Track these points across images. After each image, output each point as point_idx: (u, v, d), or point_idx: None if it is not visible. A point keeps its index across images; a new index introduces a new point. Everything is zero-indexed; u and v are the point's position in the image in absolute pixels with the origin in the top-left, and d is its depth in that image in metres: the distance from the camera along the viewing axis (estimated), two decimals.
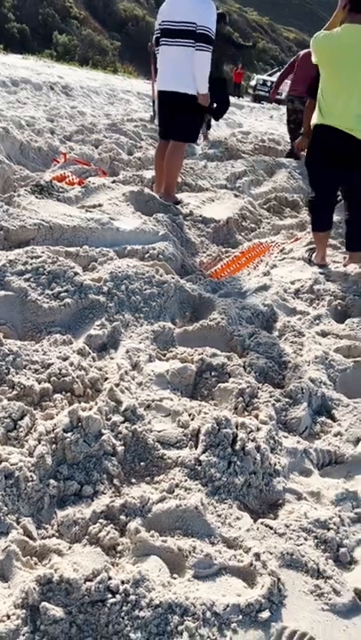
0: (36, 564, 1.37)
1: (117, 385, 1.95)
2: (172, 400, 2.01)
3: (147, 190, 4.28)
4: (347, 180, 3.62)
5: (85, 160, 5.66)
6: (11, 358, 1.99)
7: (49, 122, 7.43)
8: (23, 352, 2.06)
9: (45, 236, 3.03)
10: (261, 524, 1.62)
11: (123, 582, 1.29)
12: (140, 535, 1.43)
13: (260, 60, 41.18)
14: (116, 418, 1.80)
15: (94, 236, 3.22)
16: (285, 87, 8.08)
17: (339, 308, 3.18)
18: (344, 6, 3.39)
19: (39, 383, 1.94)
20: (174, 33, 4.12)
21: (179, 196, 4.87)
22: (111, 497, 1.58)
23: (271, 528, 1.60)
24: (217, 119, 10.03)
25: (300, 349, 2.58)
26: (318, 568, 1.49)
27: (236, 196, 5.33)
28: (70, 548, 1.43)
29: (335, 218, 3.98)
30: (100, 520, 1.50)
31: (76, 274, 2.59)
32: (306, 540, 1.58)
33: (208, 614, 1.29)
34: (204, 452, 1.74)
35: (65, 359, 2.06)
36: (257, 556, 1.45)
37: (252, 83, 24.28)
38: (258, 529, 1.59)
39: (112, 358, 2.24)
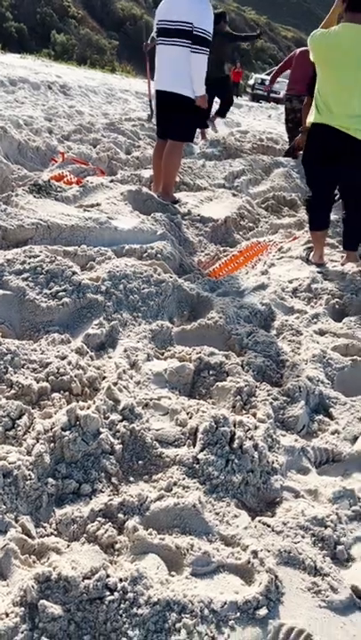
0: (34, 562, 1.38)
1: (115, 384, 1.95)
2: (170, 399, 2.01)
3: (145, 189, 4.28)
4: (344, 179, 3.63)
5: (83, 159, 5.66)
6: (9, 357, 2.00)
7: (47, 121, 7.43)
8: (21, 351, 2.06)
9: (43, 235, 3.04)
10: (259, 521, 1.62)
11: (121, 580, 1.29)
12: (138, 533, 1.44)
13: (258, 59, 41.17)
14: (114, 416, 1.81)
15: (92, 236, 3.22)
16: (284, 86, 8.11)
17: (336, 306, 3.19)
18: (343, 0, 3.37)
19: (37, 382, 1.94)
20: (171, 32, 4.12)
21: (177, 195, 4.87)
22: (109, 495, 1.58)
23: (269, 526, 1.61)
24: (223, 116, 10.12)
25: (298, 348, 2.59)
26: (316, 565, 1.50)
27: (234, 195, 5.33)
28: (69, 546, 1.44)
29: (333, 217, 3.99)
30: (99, 518, 1.50)
31: (74, 273, 2.59)
32: (303, 537, 1.58)
33: (206, 612, 1.30)
34: (201, 451, 1.74)
35: (63, 358, 2.07)
36: (255, 553, 1.46)
37: (251, 82, 24.27)
38: (255, 527, 1.60)
39: (110, 357, 2.24)
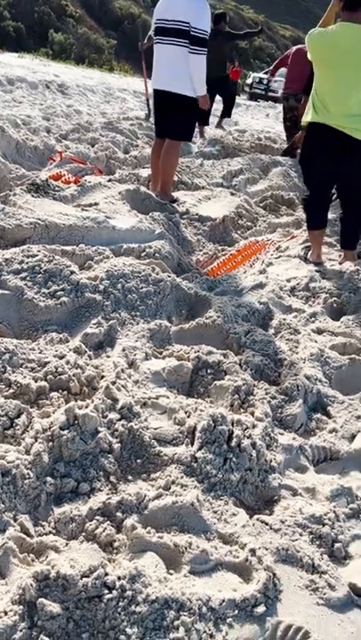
0: (33, 560, 1.38)
1: (114, 383, 1.96)
2: (168, 398, 2.02)
3: (143, 189, 4.28)
4: (341, 178, 3.63)
5: (81, 159, 5.66)
6: (7, 357, 2.00)
7: (45, 120, 7.42)
8: (20, 350, 2.07)
9: (41, 234, 3.04)
10: (257, 519, 1.63)
11: (119, 578, 1.30)
12: (136, 531, 1.44)
13: (256, 57, 41.15)
14: (113, 415, 1.81)
15: (90, 235, 3.22)
16: (282, 85, 8.19)
17: (334, 305, 3.19)
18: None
19: (36, 381, 1.95)
20: (168, 32, 4.13)
21: (175, 194, 4.88)
22: (108, 494, 1.59)
23: (267, 524, 1.61)
24: (229, 116, 10.19)
25: (296, 347, 2.60)
26: (313, 563, 1.51)
27: (232, 194, 5.34)
28: (67, 544, 1.44)
29: (331, 216, 3.99)
30: (97, 517, 1.50)
31: (72, 272, 2.59)
32: (301, 535, 1.59)
33: (204, 609, 1.31)
34: (200, 449, 1.75)
35: (61, 357, 2.07)
36: (253, 551, 1.46)
37: (249, 81, 24.29)
38: (253, 525, 1.60)
39: (108, 356, 2.25)
